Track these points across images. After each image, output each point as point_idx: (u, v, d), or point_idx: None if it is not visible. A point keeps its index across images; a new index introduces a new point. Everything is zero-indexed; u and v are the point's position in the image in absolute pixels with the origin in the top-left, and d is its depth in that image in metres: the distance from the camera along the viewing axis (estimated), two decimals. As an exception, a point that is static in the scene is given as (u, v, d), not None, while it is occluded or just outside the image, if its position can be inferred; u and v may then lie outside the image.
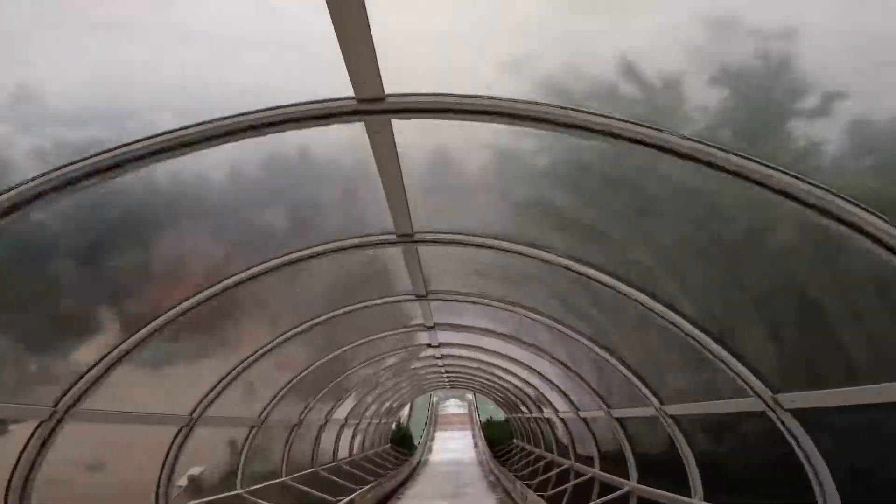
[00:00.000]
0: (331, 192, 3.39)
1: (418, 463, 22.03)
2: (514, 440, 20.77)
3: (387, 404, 17.30)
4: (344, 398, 10.53)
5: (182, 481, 5.58)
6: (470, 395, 34.02)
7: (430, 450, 26.62)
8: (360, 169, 2.83)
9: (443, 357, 10.94)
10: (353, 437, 14.36)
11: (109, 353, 3.64)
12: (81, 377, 3.59)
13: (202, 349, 5.04)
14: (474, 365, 11.61)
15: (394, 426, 26.31)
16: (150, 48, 2.15)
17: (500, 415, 27.05)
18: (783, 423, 3.28)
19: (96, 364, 3.62)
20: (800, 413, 3.20)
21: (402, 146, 2.53)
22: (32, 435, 3.54)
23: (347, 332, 6.64)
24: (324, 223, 3.71)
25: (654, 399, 5.00)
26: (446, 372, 13.95)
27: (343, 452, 13.28)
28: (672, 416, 4.98)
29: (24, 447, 3.52)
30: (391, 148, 2.51)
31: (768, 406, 3.30)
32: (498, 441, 23.66)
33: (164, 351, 4.37)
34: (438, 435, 30.94)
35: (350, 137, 2.46)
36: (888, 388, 2.48)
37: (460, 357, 10.79)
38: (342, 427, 12.25)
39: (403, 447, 25.09)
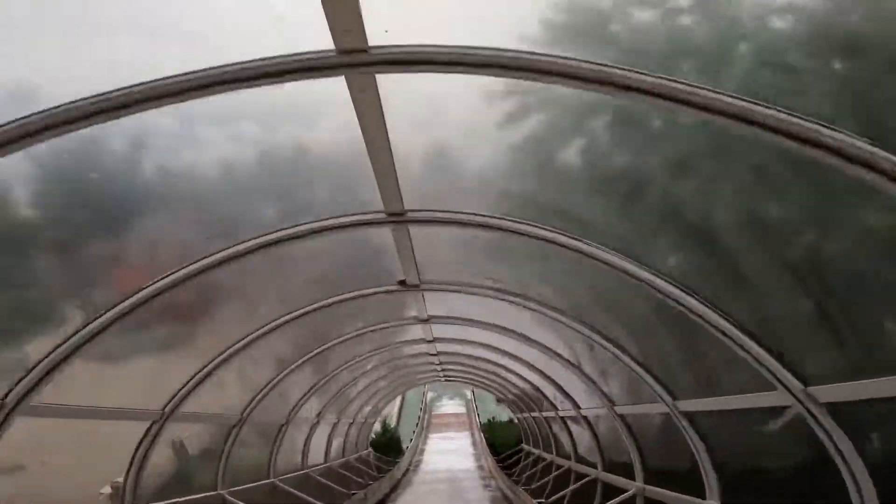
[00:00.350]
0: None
1: (406, 471, 18.31)
2: (524, 445, 17.15)
3: (358, 402, 13.85)
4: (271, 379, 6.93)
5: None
6: (468, 393, 30.71)
7: (420, 453, 22.76)
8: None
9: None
10: (307, 443, 10.24)
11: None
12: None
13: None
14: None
15: (378, 427, 22.11)
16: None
17: (503, 415, 23.95)
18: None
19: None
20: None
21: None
22: None
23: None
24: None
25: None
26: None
27: (291, 464, 9.44)
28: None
29: None
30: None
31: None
32: (502, 446, 19.46)
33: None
34: (433, 437, 27.24)
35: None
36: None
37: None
38: (284, 426, 8.56)
39: (390, 454, 20.69)
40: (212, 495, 6.57)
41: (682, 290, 3.28)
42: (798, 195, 2.53)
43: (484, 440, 21.27)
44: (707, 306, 3.21)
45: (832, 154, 1.93)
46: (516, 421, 18.96)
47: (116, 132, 2.67)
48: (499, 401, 27.39)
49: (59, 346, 3.31)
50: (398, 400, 29.05)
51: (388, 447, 21.60)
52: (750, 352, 3.07)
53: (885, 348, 2.64)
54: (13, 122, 2.17)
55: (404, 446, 22.97)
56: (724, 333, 3.16)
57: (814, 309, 2.85)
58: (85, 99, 2.20)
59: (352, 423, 14.39)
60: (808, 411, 2.95)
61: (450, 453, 22.67)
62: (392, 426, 24.59)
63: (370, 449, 19.35)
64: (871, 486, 2.85)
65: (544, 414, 11.18)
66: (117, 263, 3.59)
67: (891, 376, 2.46)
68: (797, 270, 2.80)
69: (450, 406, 34.89)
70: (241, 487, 7.22)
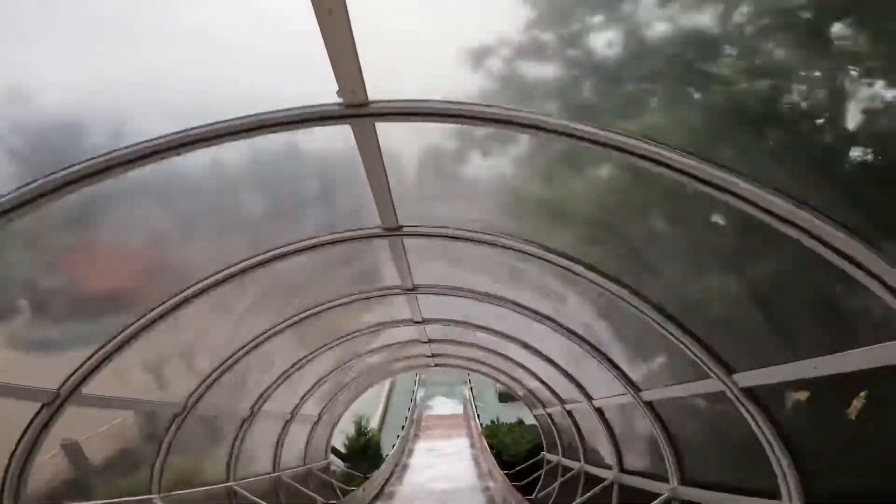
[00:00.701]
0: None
1: (383, 487, 13.33)
2: (546, 454, 12.38)
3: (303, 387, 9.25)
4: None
5: None
6: (466, 391, 27.20)
7: (405, 462, 17.44)
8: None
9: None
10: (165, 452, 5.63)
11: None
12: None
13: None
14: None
15: (351, 428, 17.44)
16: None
17: (509, 414, 20.25)
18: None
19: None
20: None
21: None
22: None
23: None
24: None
25: None
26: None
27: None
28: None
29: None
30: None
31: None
32: (512, 456, 14.99)
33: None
34: (422, 440, 21.57)
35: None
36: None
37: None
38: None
39: (364, 464, 15.79)
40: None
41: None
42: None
43: (488, 452, 15.83)
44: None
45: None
46: (533, 421, 14.57)
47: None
48: (503, 399, 24.82)
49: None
50: (382, 399, 26.02)
51: (363, 455, 16.80)
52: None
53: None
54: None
55: (385, 454, 17.62)
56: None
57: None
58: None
59: (289, 421, 9.39)
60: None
61: (444, 462, 17.24)
62: (369, 428, 18.95)
63: (329, 459, 13.74)
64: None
65: (596, 403, 6.93)
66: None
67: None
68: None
69: (443, 406, 29.11)
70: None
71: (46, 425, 3.72)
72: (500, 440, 16.79)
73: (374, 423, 21.38)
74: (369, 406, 21.11)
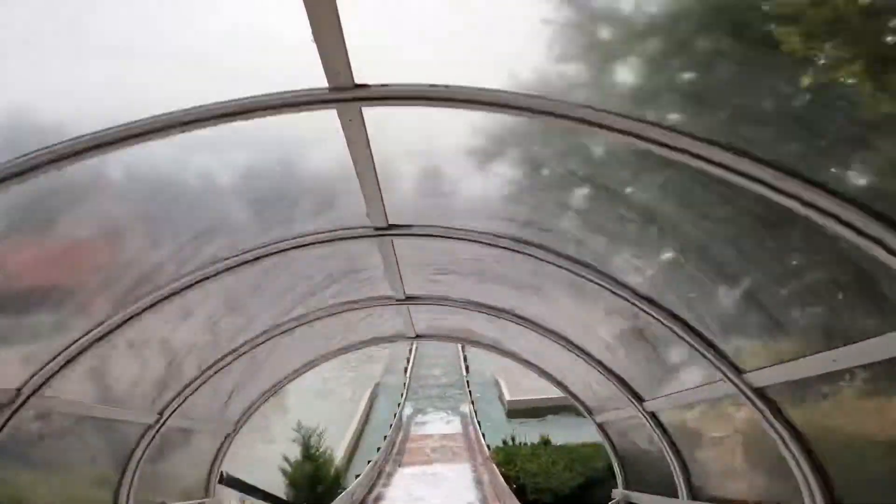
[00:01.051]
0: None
1: None
2: (624, 492, 6.59)
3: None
4: None
5: None
6: (465, 406, 23.48)
7: (379, 494, 13.32)
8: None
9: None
10: None
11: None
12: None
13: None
14: None
15: (297, 450, 13.02)
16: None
17: (526, 433, 15.71)
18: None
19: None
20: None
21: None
22: None
23: None
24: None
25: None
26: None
27: None
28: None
29: None
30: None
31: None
32: (539, 491, 11.08)
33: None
34: (408, 466, 16.28)
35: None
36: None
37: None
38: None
39: (308, 500, 12.09)
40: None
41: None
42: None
43: (501, 477, 11.67)
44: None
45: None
46: (565, 440, 10.72)
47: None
48: (513, 414, 21.11)
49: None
50: (358, 413, 21.65)
51: (310, 491, 12.21)
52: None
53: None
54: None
55: (349, 486, 12.90)
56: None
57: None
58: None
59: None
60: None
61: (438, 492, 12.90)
62: (321, 450, 13.60)
63: (210, 498, 7.09)
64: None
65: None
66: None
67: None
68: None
69: (437, 423, 23.50)
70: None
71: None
72: (521, 468, 12.05)
73: (339, 445, 15.65)
74: (335, 419, 15.67)
